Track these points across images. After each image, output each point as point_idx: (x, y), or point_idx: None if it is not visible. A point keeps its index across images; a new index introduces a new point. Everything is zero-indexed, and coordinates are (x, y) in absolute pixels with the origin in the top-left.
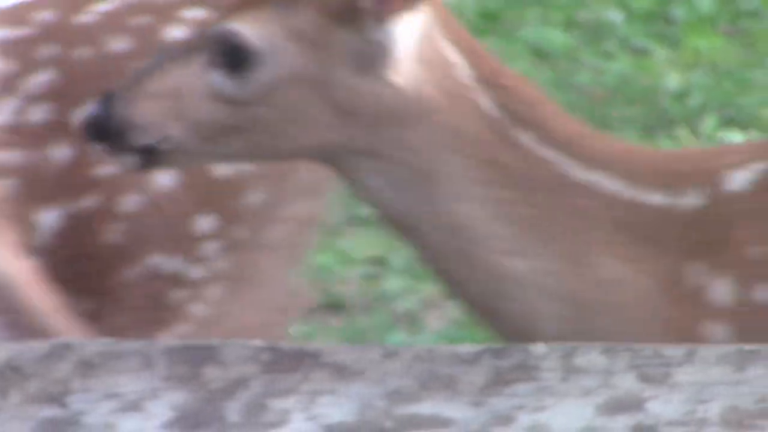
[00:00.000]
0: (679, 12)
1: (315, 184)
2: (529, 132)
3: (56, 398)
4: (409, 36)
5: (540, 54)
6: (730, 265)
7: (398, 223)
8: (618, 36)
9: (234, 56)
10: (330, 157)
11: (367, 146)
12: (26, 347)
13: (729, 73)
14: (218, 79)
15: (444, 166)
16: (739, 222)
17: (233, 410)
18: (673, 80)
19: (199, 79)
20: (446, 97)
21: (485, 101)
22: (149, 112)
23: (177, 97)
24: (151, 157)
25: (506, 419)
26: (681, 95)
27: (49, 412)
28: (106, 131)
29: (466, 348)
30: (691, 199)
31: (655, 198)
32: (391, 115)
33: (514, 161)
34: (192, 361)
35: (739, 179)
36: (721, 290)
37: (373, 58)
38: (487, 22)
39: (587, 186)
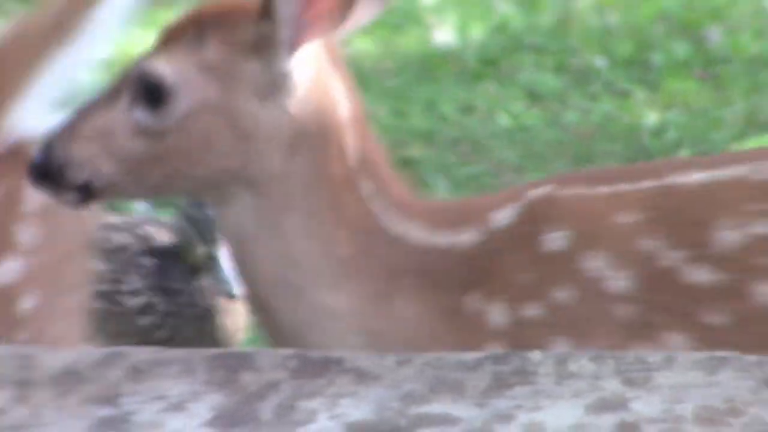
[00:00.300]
0: (657, 58)
1: (81, 276)
2: (369, 184)
3: (110, 399)
4: (307, 67)
5: (533, 96)
6: (501, 291)
7: (241, 254)
8: (603, 80)
9: (152, 92)
10: (220, 185)
11: (252, 174)
12: (84, 354)
13: (702, 113)
14: (140, 114)
15: (304, 200)
16: (505, 253)
17: (266, 410)
18: (651, 119)
19: (124, 116)
20: (326, 132)
21: (350, 144)
22: (82, 152)
23: (106, 135)
24: (88, 193)
25: (507, 418)
26: (659, 132)
27: (104, 411)
28: (47, 174)
29: (470, 356)
30: (467, 238)
31: (443, 241)
32: (279, 144)
33: (351, 207)
34: (229, 367)
35: (502, 217)
36: (497, 314)
37: (276, 86)
38: (487, 67)
39: (398, 237)
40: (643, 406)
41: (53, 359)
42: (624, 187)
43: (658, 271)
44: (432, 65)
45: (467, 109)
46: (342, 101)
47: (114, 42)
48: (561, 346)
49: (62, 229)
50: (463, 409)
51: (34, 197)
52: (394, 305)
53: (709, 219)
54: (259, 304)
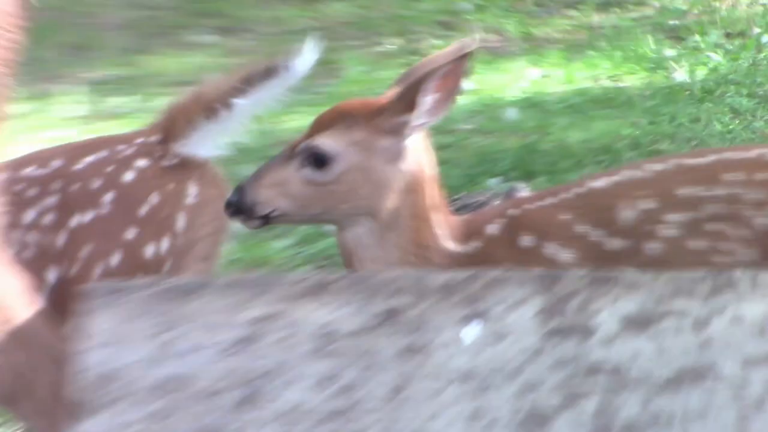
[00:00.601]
0: None
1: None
2: (437, 215)
3: (471, 303)
4: (416, 140)
5: (734, 112)
6: None
7: (356, 259)
8: None
9: (318, 159)
10: (355, 215)
11: (377, 208)
12: (456, 274)
13: None
14: (308, 172)
15: (403, 225)
16: (496, 253)
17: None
18: None
19: (296, 173)
20: (421, 183)
21: (429, 191)
22: (266, 195)
23: (283, 184)
24: (267, 220)
25: (720, 311)
26: None
27: (467, 311)
28: (239, 208)
29: (696, 274)
30: (472, 245)
31: (461, 249)
32: (397, 191)
33: (425, 231)
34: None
35: (492, 229)
36: None
37: (400, 156)
38: (706, 94)
39: (445, 248)
40: None
41: (435, 279)
42: (562, 195)
43: (590, 246)
44: (673, 93)
45: (695, 120)
46: (428, 164)
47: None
48: None
49: (202, 220)
50: (693, 306)
51: (193, 193)
52: None
53: (613, 205)
54: None
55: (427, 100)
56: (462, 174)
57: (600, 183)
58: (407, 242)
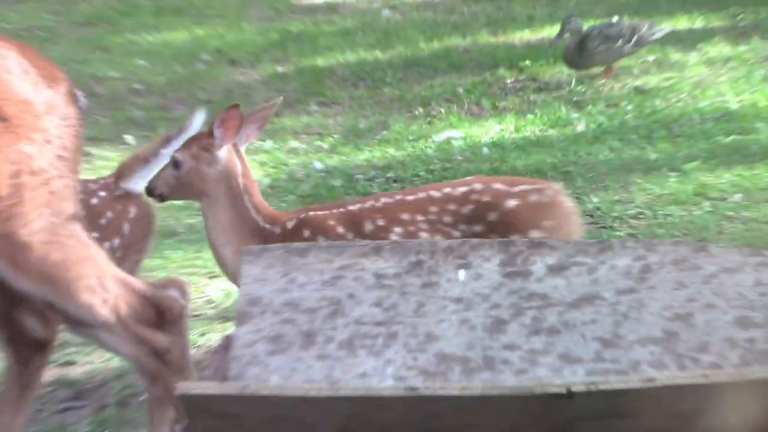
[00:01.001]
0: None
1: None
2: (247, 197)
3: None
4: (225, 151)
5: None
6: None
7: (206, 222)
8: None
9: (175, 164)
10: (199, 196)
11: (207, 193)
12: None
13: None
14: (173, 172)
15: (226, 201)
16: (288, 239)
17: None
18: None
19: (169, 172)
20: (232, 175)
21: (240, 182)
22: (156, 184)
23: (163, 178)
24: (162, 198)
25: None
26: None
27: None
28: (149, 191)
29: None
30: (277, 229)
31: (269, 228)
32: (216, 181)
33: (240, 207)
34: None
35: (290, 223)
36: None
37: (215, 161)
38: None
39: (257, 223)
40: None
41: (442, 243)
42: (337, 209)
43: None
44: (576, 138)
45: (588, 154)
46: (239, 165)
47: None
48: None
49: (138, 227)
50: (587, 260)
51: (133, 211)
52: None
53: (362, 219)
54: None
55: (218, 132)
56: None
57: (356, 206)
58: (225, 214)
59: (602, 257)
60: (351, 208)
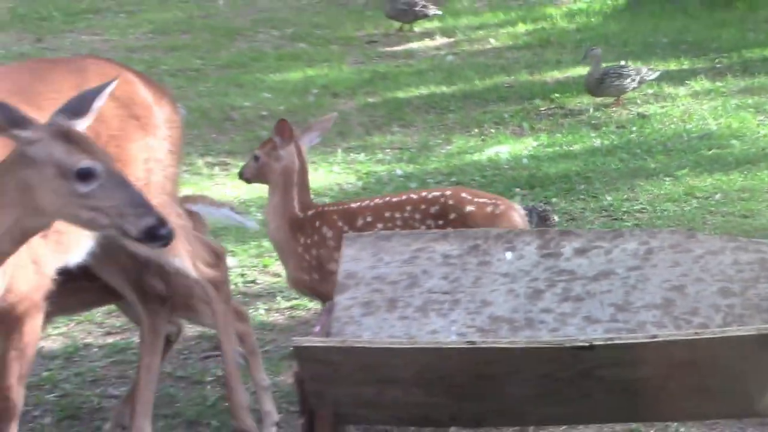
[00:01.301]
0: None
1: None
2: None
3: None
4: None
5: None
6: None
7: None
8: None
9: (255, 158)
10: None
11: (271, 183)
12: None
13: None
14: (254, 164)
15: (275, 187)
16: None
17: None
18: None
19: (252, 162)
20: (290, 172)
21: None
22: None
23: (250, 167)
24: None
25: None
26: None
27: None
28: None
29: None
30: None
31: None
32: (275, 174)
33: None
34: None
35: (309, 212)
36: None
37: (278, 158)
38: None
39: None
40: None
41: (493, 231)
42: (349, 205)
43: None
44: (594, 151)
45: (603, 163)
46: (297, 162)
47: None
48: None
49: None
50: (604, 244)
51: None
52: None
53: (356, 215)
54: None
55: (276, 139)
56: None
57: (357, 204)
58: (276, 198)
59: (615, 242)
60: (353, 205)
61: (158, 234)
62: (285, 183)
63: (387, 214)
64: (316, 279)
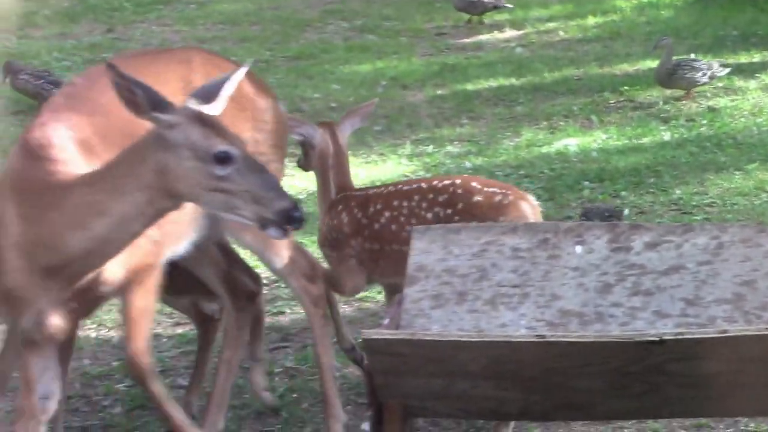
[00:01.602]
0: None
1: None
2: None
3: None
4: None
5: None
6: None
7: None
8: None
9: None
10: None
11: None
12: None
13: None
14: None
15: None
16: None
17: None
18: None
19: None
20: (325, 156)
21: None
22: None
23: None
24: None
25: None
26: None
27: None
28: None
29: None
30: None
31: None
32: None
33: None
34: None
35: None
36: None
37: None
38: None
39: None
40: None
41: (563, 225)
42: (368, 192)
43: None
44: (664, 144)
45: (674, 156)
46: (330, 146)
47: None
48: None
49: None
50: (674, 238)
51: None
52: None
53: (373, 200)
54: None
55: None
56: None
57: (372, 191)
58: (318, 182)
59: (686, 236)
60: (369, 192)
61: (293, 216)
62: (321, 167)
63: (395, 203)
64: (334, 257)
